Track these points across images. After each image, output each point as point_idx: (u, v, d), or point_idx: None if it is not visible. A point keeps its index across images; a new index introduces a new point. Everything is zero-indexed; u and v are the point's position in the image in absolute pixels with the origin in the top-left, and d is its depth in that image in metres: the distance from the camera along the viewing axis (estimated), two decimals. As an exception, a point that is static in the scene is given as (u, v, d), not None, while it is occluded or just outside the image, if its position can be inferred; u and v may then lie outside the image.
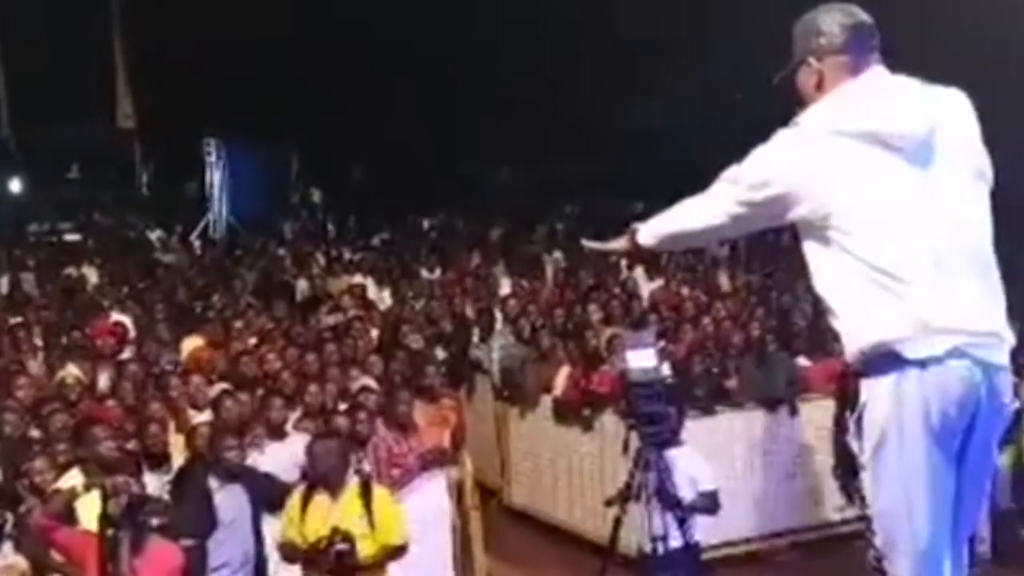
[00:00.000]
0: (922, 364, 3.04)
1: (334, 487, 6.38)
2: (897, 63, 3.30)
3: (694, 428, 7.96)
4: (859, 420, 3.17)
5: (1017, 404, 3.31)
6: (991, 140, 3.25)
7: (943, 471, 3.11)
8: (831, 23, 3.24)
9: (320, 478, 6.41)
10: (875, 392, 3.12)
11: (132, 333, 10.77)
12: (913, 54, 3.57)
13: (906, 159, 3.10)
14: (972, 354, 3.05)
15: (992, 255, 3.17)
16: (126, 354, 9.97)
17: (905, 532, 3.14)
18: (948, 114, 3.20)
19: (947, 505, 3.14)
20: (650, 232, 3.60)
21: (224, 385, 8.31)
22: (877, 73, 3.23)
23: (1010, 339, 3.14)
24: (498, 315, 11.58)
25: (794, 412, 9.15)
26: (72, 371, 8.73)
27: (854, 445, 3.20)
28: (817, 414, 8.87)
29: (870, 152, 3.10)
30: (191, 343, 9.99)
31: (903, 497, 3.11)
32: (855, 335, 3.15)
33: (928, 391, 3.04)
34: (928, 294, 3.02)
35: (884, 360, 3.08)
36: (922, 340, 3.02)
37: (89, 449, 6.43)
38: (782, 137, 3.23)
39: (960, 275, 3.06)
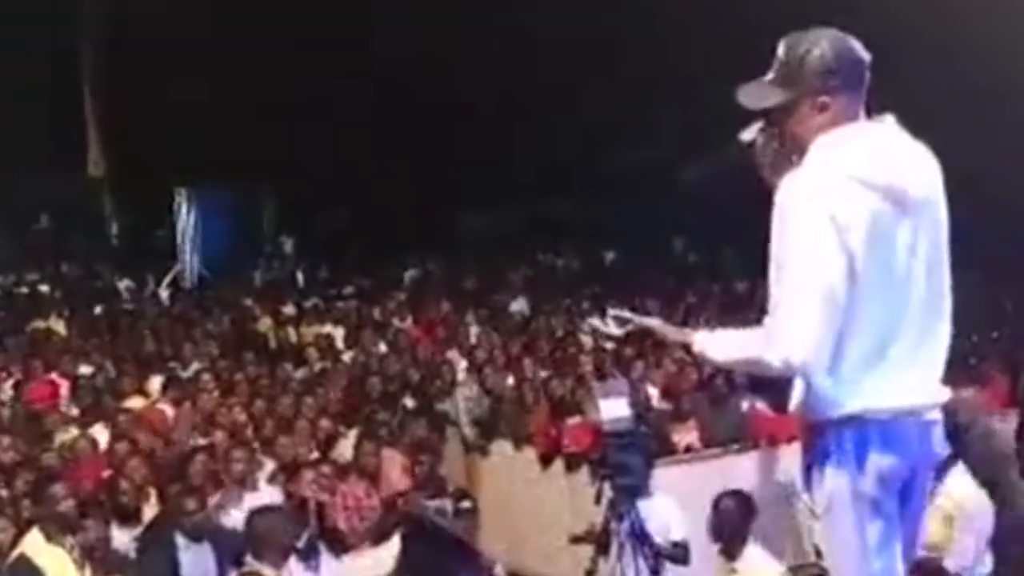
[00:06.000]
0: (880, 425, 3.14)
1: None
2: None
3: (667, 474, 7.89)
4: (813, 474, 3.22)
5: (948, 451, 3.56)
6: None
7: (892, 519, 3.21)
8: (820, 61, 3.13)
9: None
10: (832, 448, 3.17)
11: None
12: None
13: (909, 223, 3.10)
14: (919, 416, 3.20)
15: (948, 319, 3.24)
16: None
17: None
18: (937, 178, 3.24)
19: (896, 551, 3.22)
20: (717, 350, 3.36)
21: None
22: (887, 124, 3.21)
23: (944, 399, 3.29)
24: (463, 364, 11.48)
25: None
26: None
27: (807, 498, 3.26)
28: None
29: (882, 208, 3.06)
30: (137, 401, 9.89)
31: (858, 548, 3.18)
32: (825, 394, 3.16)
33: (884, 450, 3.14)
34: (894, 370, 3.13)
35: (847, 421, 3.14)
36: (885, 406, 3.13)
37: (48, 507, 6.32)
38: (803, 178, 3.08)
39: (922, 350, 3.18)
